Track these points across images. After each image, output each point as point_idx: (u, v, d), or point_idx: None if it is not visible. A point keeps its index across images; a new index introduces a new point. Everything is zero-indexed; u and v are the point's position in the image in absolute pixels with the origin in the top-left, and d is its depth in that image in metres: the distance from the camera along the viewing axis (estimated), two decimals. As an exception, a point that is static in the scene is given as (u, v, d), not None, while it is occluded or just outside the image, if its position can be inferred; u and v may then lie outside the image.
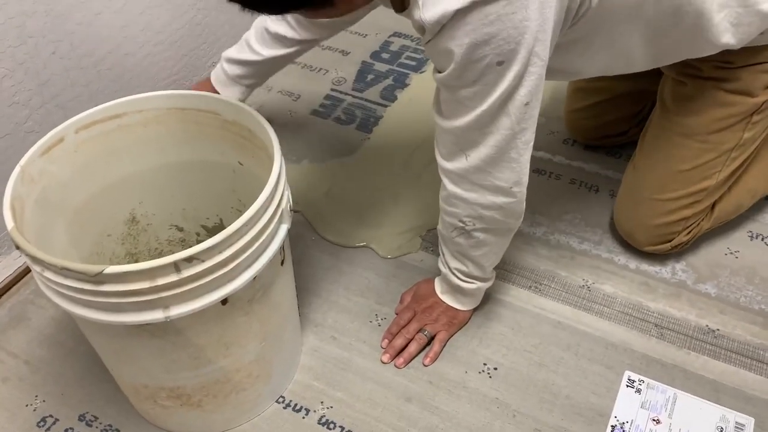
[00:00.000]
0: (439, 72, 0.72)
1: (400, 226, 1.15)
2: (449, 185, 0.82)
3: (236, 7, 0.68)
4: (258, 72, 1.10)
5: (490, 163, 0.76)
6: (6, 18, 0.91)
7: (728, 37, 0.82)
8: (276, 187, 0.71)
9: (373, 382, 0.92)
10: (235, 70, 1.09)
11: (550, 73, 0.86)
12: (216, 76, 1.12)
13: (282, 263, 0.78)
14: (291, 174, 1.23)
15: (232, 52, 1.10)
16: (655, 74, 1.04)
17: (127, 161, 0.87)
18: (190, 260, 0.63)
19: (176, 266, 0.63)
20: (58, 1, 0.98)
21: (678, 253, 1.06)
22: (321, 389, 0.92)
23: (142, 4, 1.13)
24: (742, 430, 0.86)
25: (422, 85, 1.46)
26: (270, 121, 0.78)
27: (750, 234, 1.11)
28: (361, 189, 1.22)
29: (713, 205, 1.03)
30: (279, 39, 1.05)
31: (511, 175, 0.77)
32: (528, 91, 0.70)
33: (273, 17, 1.03)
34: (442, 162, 0.82)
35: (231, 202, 0.94)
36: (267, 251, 0.71)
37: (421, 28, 0.68)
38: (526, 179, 0.79)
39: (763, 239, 1.10)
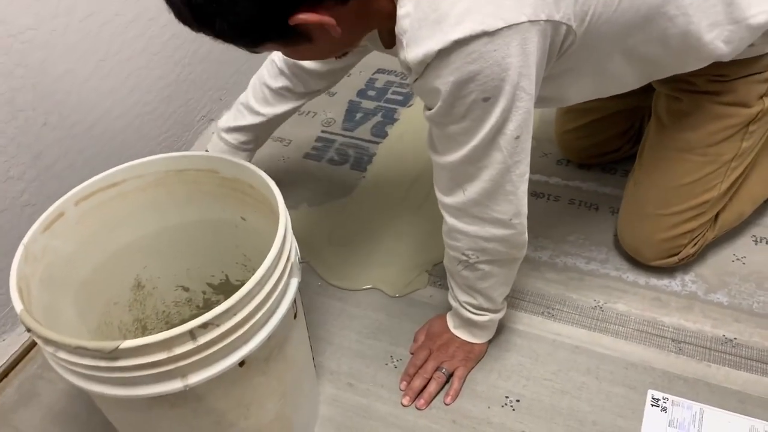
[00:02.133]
0: (429, 110, 0.73)
1: (405, 262, 1.14)
2: (450, 219, 0.82)
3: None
4: (261, 133, 1.11)
5: (487, 197, 0.76)
6: (-5, 95, 0.91)
7: (721, 53, 0.82)
8: (284, 242, 0.70)
9: (396, 427, 0.91)
10: (239, 137, 1.08)
11: (543, 101, 0.87)
12: (217, 149, 1.10)
13: (295, 317, 0.77)
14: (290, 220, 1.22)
15: (230, 120, 1.08)
16: (644, 91, 1.04)
17: (129, 228, 0.86)
18: (205, 326, 0.62)
19: (192, 334, 0.62)
20: (45, 72, 0.98)
21: (685, 264, 1.06)
22: (344, 439, 0.90)
23: (128, 67, 1.14)
24: (774, 439, 0.85)
25: (411, 118, 1.47)
26: (265, 169, 0.79)
27: (754, 238, 1.11)
28: (362, 229, 1.21)
29: (716, 216, 1.03)
30: (281, 95, 1.05)
31: (509, 207, 0.77)
32: (517, 125, 0.70)
33: (271, 73, 1.04)
34: (441, 197, 0.82)
35: (235, 257, 0.93)
36: (280, 307, 0.70)
37: (407, 67, 0.69)
38: (525, 210, 0.79)
39: (767, 242, 1.10)
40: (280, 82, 1.04)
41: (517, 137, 0.72)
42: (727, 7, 0.79)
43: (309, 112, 1.52)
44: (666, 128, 0.99)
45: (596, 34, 0.73)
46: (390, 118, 1.48)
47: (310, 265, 1.14)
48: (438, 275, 1.11)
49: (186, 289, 0.97)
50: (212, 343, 0.63)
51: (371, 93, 1.56)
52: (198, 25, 0.66)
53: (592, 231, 1.15)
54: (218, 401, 0.71)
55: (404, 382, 0.96)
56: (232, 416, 0.74)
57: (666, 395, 0.91)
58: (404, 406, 0.93)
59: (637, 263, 1.08)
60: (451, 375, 0.95)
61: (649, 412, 0.89)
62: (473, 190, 0.77)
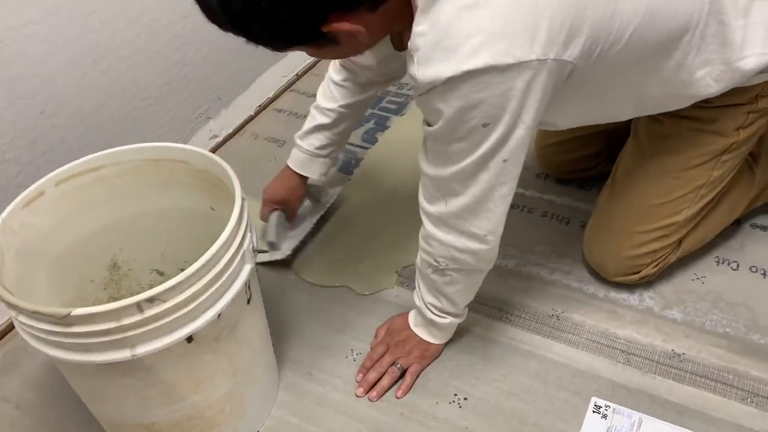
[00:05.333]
0: (429, 125, 0.76)
1: (376, 263, 1.19)
2: (428, 226, 0.86)
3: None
4: (335, 135, 1.13)
5: (468, 211, 0.80)
6: (-5, 83, 0.99)
7: (710, 91, 0.86)
8: (237, 228, 0.76)
9: (347, 416, 0.95)
10: (313, 141, 1.12)
11: (539, 124, 0.90)
12: (294, 160, 1.15)
13: (248, 302, 0.82)
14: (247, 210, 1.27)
15: (303, 126, 1.13)
16: None
17: (107, 211, 0.92)
18: (152, 300, 0.68)
19: (139, 306, 0.67)
20: (45, 64, 1.05)
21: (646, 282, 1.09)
22: (296, 424, 0.95)
23: (127, 64, 1.21)
24: (706, 451, 0.88)
25: (402, 128, 1.52)
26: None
27: (716, 259, 1.14)
28: (340, 229, 1.26)
29: (679, 241, 1.06)
30: (344, 87, 1.09)
31: (486, 224, 0.81)
32: (509, 151, 0.74)
33: (334, 69, 1.08)
34: (424, 204, 0.85)
35: (207, 245, 0.97)
36: (230, 290, 0.76)
37: (412, 79, 0.72)
38: (500, 230, 0.83)
39: (728, 264, 1.13)
40: (342, 75, 1.08)
41: (505, 161, 0.75)
42: (721, 47, 0.82)
43: (305, 115, 1.56)
44: (644, 148, 1.02)
45: (597, 69, 0.76)
46: (382, 125, 1.53)
47: (285, 260, 1.20)
48: (406, 276, 1.15)
49: (160, 273, 1.03)
50: (159, 317, 0.69)
51: (367, 101, 1.61)
52: (233, 28, 0.70)
53: (560, 243, 1.19)
54: (167, 373, 0.76)
55: (360, 374, 1.00)
56: (181, 389, 0.79)
57: (608, 403, 0.94)
58: (357, 396, 0.98)
59: (600, 277, 1.11)
60: (405, 371, 0.99)
61: (590, 418, 0.93)
62: (456, 204, 0.80)
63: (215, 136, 1.49)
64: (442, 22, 0.67)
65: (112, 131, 1.22)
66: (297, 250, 1.20)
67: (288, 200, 1.17)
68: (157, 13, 1.22)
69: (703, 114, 0.95)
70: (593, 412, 0.93)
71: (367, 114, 1.56)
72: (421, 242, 0.90)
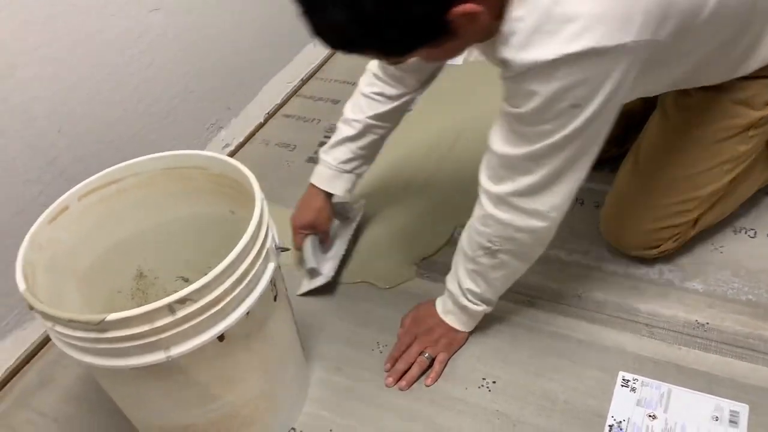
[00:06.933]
0: (513, 107, 0.76)
1: (396, 257, 1.20)
2: (488, 206, 0.86)
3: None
4: (360, 145, 1.11)
5: (537, 189, 0.81)
6: (12, 105, 1.01)
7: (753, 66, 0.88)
8: (258, 228, 0.77)
9: (378, 407, 0.97)
10: (337, 155, 1.11)
11: None
12: (318, 176, 1.13)
13: (275, 299, 0.84)
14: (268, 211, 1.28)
15: (329, 141, 1.12)
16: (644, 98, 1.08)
17: (129, 222, 0.94)
18: (183, 301, 0.69)
19: (171, 308, 0.69)
20: (58, 84, 1.07)
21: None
22: (330, 418, 0.96)
23: (135, 80, 1.23)
24: (737, 417, 0.88)
25: (409, 123, 1.52)
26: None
27: (733, 229, 1.14)
28: (359, 226, 1.27)
29: (697, 218, 1.05)
30: (373, 99, 1.08)
31: (552, 200, 0.82)
32: (593, 131, 0.75)
33: (366, 82, 1.08)
34: (486, 184, 0.85)
35: (229, 248, 0.99)
36: (257, 288, 0.77)
37: (503, 63, 0.73)
38: (566, 207, 0.84)
39: (746, 232, 1.13)
40: (373, 88, 1.08)
41: (585, 143, 0.77)
42: None
43: (313, 119, 1.60)
44: (670, 122, 1.02)
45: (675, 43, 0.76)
46: (390, 122, 1.54)
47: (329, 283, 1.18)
48: (425, 268, 1.17)
49: (186, 280, 1.04)
50: (190, 317, 0.70)
51: (373, 99, 1.62)
52: (360, 37, 0.70)
53: (576, 224, 1.19)
54: (201, 374, 0.77)
55: (389, 364, 1.01)
56: (215, 389, 0.80)
57: (636, 376, 0.95)
58: (387, 386, 0.99)
59: (618, 254, 1.12)
60: (433, 359, 1.00)
61: (619, 392, 0.93)
62: (524, 182, 0.81)
63: (227, 145, 1.51)
64: (541, 8, 0.68)
65: (128, 147, 1.24)
66: (338, 270, 1.17)
67: (317, 223, 1.14)
68: (162, 28, 1.24)
69: (735, 83, 0.94)
70: (622, 386, 0.94)
71: (374, 112, 1.58)
72: (476, 223, 0.89)
